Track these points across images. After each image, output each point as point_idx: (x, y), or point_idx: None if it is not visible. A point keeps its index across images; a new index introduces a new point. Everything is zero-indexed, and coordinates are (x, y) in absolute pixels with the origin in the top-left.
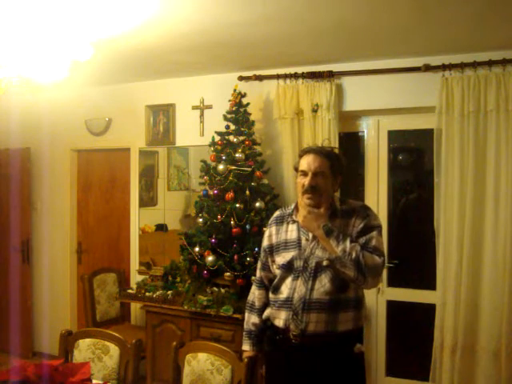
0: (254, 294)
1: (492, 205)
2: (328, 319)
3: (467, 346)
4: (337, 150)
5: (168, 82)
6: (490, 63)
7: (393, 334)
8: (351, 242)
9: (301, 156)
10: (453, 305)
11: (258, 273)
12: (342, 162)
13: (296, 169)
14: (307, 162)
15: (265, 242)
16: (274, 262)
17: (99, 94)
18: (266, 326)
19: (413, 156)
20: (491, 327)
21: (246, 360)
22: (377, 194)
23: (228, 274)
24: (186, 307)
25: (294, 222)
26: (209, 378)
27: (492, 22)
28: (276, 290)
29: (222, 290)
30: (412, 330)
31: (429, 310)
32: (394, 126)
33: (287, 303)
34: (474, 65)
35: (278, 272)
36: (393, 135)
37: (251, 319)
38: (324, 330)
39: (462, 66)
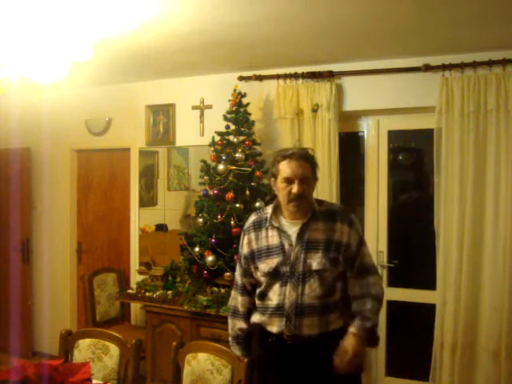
0: (237, 300)
1: (492, 205)
2: (320, 322)
3: (467, 345)
4: (312, 152)
5: (168, 82)
6: (489, 63)
7: (393, 334)
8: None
9: (279, 161)
10: (453, 305)
11: (240, 279)
12: (317, 164)
13: (274, 175)
14: (291, 169)
15: (245, 249)
16: (256, 268)
17: (99, 93)
18: (254, 330)
19: (413, 156)
20: (491, 327)
21: (245, 360)
22: (377, 194)
23: (228, 273)
24: (186, 307)
25: (273, 227)
26: (209, 378)
27: (492, 22)
28: (263, 296)
29: (222, 290)
30: (412, 330)
31: (429, 310)
32: (394, 126)
33: (279, 310)
34: (474, 65)
35: (262, 279)
36: (393, 135)
37: (237, 325)
38: (317, 333)
39: (461, 66)
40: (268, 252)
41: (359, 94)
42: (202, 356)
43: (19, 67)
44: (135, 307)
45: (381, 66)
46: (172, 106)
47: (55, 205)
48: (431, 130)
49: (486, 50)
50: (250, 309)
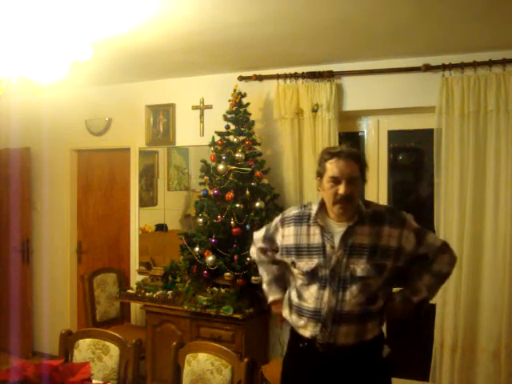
0: (260, 258)
1: (492, 205)
2: (357, 330)
3: (467, 345)
4: (358, 151)
5: (168, 82)
6: (489, 63)
7: (393, 334)
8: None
9: (326, 159)
10: (453, 305)
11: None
12: (367, 164)
13: (320, 174)
14: (339, 168)
15: (285, 241)
16: (293, 264)
17: (99, 93)
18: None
19: (413, 156)
20: (491, 327)
21: (245, 360)
22: (377, 194)
23: (228, 273)
24: (185, 307)
25: (317, 225)
26: (209, 378)
27: (492, 22)
28: (300, 296)
29: (222, 290)
30: (412, 329)
31: (429, 310)
32: (394, 125)
33: (316, 315)
34: (474, 65)
35: (300, 277)
36: (393, 135)
37: (272, 267)
38: (353, 342)
39: (461, 66)
40: (308, 251)
41: (359, 94)
42: (202, 356)
43: (19, 67)
44: (135, 307)
45: (381, 65)
46: (172, 105)
47: (55, 205)
48: (431, 130)
49: (486, 50)
50: (276, 261)
